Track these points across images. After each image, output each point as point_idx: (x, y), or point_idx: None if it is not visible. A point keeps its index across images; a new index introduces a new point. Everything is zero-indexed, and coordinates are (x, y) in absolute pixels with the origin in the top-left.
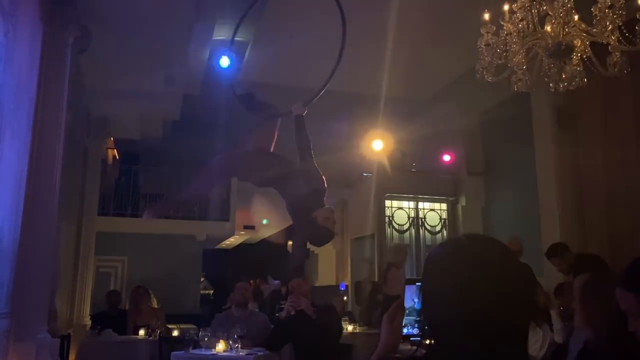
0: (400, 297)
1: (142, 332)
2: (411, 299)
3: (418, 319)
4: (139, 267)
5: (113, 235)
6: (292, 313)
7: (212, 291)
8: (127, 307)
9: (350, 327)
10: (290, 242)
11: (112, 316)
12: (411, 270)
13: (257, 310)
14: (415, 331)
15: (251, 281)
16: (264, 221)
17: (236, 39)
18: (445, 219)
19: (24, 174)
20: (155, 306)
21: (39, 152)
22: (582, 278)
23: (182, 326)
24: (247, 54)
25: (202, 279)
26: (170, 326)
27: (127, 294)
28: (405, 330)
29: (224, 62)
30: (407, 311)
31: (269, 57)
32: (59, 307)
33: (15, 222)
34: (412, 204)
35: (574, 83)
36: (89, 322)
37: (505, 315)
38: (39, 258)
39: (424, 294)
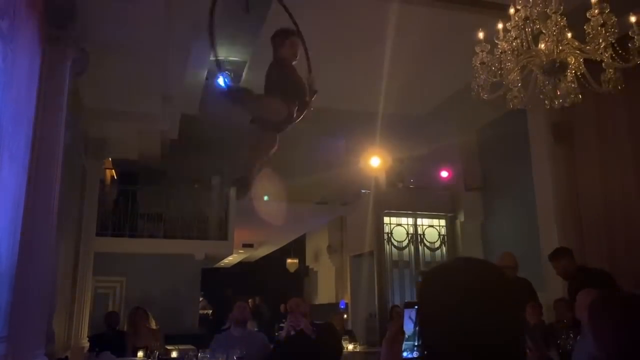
0: (399, 321)
1: (140, 353)
2: (411, 322)
3: (417, 343)
4: (137, 287)
5: (111, 255)
6: (292, 333)
7: (211, 311)
8: (125, 329)
9: (350, 346)
10: (288, 260)
11: (110, 338)
12: (411, 290)
13: (256, 329)
14: (415, 354)
15: (250, 300)
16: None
17: (234, 59)
18: (444, 235)
19: (22, 196)
20: (154, 327)
21: (37, 174)
22: (587, 295)
23: (181, 347)
24: (244, 74)
25: (200, 299)
26: (169, 347)
27: (125, 314)
28: (405, 354)
29: (222, 82)
30: (407, 335)
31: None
32: (57, 329)
33: (13, 244)
34: (410, 221)
35: (568, 100)
36: (86, 344)
37: (501, 337)
38: (37, 280)
39: (421, 317)
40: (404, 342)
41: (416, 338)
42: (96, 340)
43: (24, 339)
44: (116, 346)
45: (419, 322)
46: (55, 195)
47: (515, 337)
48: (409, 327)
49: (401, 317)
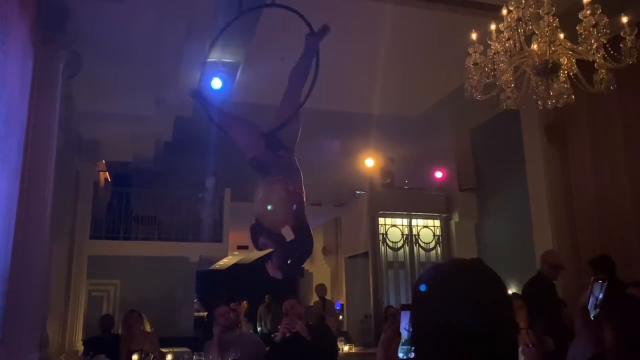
0: (396, 324)
1: (135, 356)
2: (407, 325)
3: (413, 346)
4: (132, 290)
5: (105, 258)
6: (287, 335)
7: (205, 313)
8: (120, 332)
9: (346, 348)
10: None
11: (104, 341)
12: (407, 291)
13: (251, 331)
14: (412, 355)
15: (244, 302)
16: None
17: (227, 60)
18: (438, 235)
19: (15, 199)
20: (149, 330)
21: (30, 177)
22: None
23: (176, 350)
24: (238, 75)
25: (195, 301)
26: (163, 350)
27: (120, 318)
28: (401, 355)
29: (216, 83)
30: (403, 339)
31: (260, 79)
32: (51, 332)
33: (6, 247)
34: (405, 221)
35: (561, 100)
36: (81, 348)
37: (495, 340)
38: (31, 284)
39: (414, 318)
40: (400, 345)
41: (410, 341)
42: (90, 344)
43: (18, 343)
44: (111, 350)
45: (412, 322)
46: (48, 198)
47: (508, 338)
48: (405, 330)
49: (397, 318)
